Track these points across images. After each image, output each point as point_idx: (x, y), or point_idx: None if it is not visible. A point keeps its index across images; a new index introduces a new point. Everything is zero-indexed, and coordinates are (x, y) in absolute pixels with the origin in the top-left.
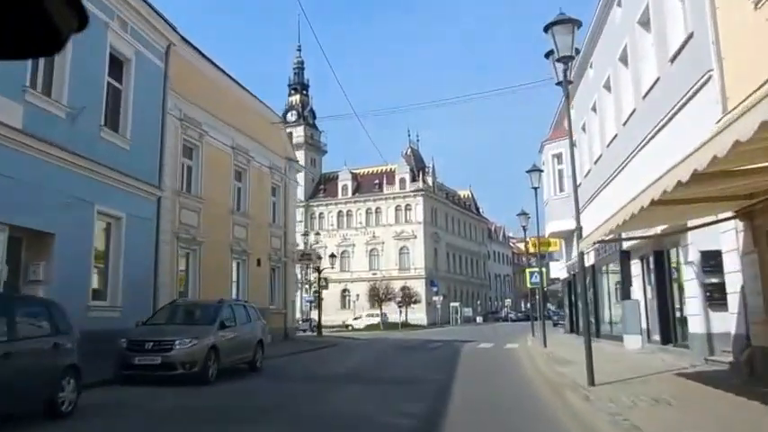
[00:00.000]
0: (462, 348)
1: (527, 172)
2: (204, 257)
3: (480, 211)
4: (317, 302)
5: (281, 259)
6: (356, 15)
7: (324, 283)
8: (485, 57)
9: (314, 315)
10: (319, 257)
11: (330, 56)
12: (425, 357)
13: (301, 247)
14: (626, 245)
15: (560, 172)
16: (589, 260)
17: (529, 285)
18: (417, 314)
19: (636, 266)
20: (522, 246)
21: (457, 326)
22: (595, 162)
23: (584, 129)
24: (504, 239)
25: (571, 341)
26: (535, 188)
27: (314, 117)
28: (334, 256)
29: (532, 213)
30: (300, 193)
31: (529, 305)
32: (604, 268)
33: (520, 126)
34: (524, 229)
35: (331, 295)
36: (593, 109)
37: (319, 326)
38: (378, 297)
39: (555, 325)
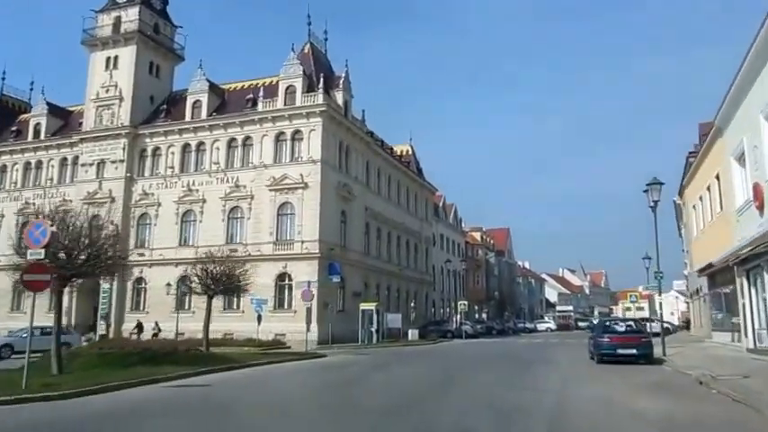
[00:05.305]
0: None
1: (648, 185)
2: None
3: (423, 174)
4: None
5: None
6: None
7: None
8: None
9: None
10: None
11: None
12: None
13: (119, 202)
14: None
15: None
16: None
17: None
18: (299, 323)
19: None
20: (477, 235)
21: (360, 351)
22: None
23: None
24: (455, 221)
25: None
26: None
27: (165, 1)
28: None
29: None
30: (125, 115)
31: (484, 314)
32: None
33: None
34: None
35: (157, 288)
36: None
37: None
38: None
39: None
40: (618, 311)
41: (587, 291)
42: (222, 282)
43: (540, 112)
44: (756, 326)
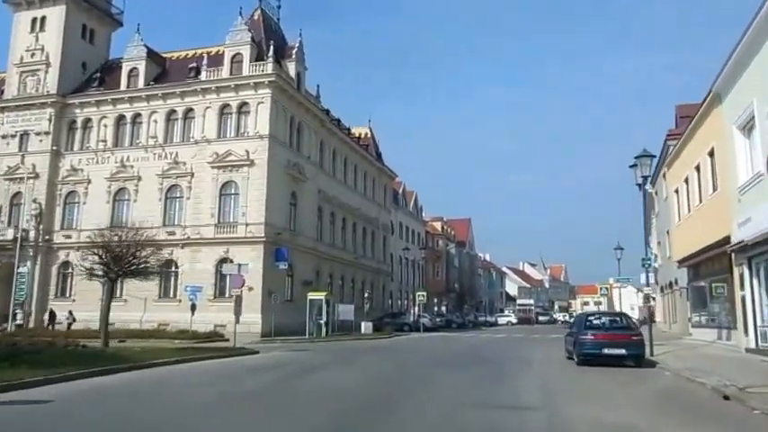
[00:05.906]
0: None
1: (636, 158)
2: None
3: (383, 159)
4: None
5: None
6: None
7: None
8: None
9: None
10: None
11: None
12: None
13: (44, 178)
14: None
15: None
16: None
17: None
18: (242, 314)
19: None
20: (437, 225)
21: (304, 345)
22: None
23: None
24: (415, 210)
25: None
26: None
27: None
28: None
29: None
30: (52, 82)
31: (443, 307)
32: None
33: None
34: None
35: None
36: None
37: None
38: None
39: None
40: (577, 305)
41: (547, 284)
42: (128, 261)
43: (502, 107)
44: (759, 322)
